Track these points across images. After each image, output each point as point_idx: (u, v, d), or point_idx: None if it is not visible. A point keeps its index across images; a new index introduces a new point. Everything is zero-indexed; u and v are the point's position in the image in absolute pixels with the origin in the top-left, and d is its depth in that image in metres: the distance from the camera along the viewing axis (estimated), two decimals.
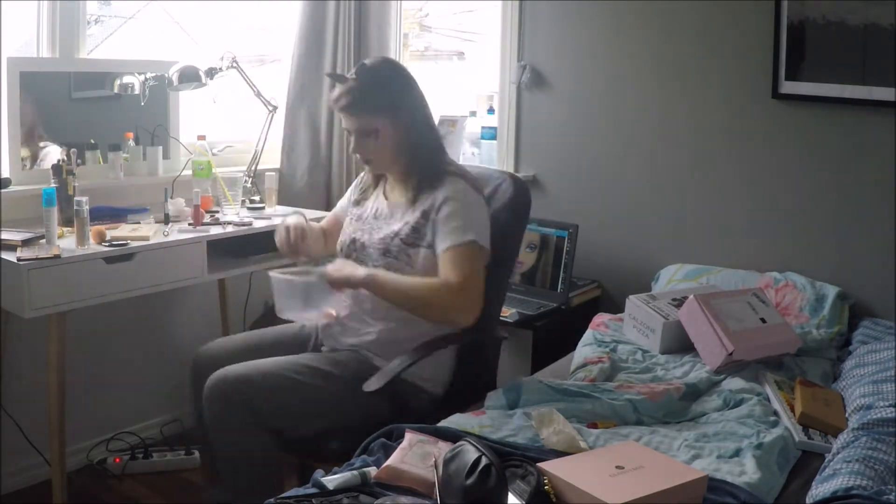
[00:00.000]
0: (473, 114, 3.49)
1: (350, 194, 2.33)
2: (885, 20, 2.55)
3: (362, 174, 2.31)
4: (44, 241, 2.30)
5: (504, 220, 2.19)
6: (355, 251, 2.14)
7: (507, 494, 1.46)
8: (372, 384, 1.94)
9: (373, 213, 2.18)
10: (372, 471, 1.65)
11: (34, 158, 2.65)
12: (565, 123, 3.28)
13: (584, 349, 2.48)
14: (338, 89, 2.06)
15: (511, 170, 3.34)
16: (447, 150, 2.20)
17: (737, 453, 1.80)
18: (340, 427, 2.01)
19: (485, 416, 1.94)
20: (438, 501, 1.51)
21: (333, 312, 2.12)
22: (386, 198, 2.17)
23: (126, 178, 2.80)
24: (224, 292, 3.14)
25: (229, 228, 2.63)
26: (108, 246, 2.32)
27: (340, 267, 2.04)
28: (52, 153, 2.68)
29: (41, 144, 2.67)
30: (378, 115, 2.04)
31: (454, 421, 1.90)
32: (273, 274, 2.01)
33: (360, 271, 2.01)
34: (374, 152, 2.09)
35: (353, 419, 2.00)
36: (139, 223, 2.57)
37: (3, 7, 2.51)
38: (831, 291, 2.67)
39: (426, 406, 2.09)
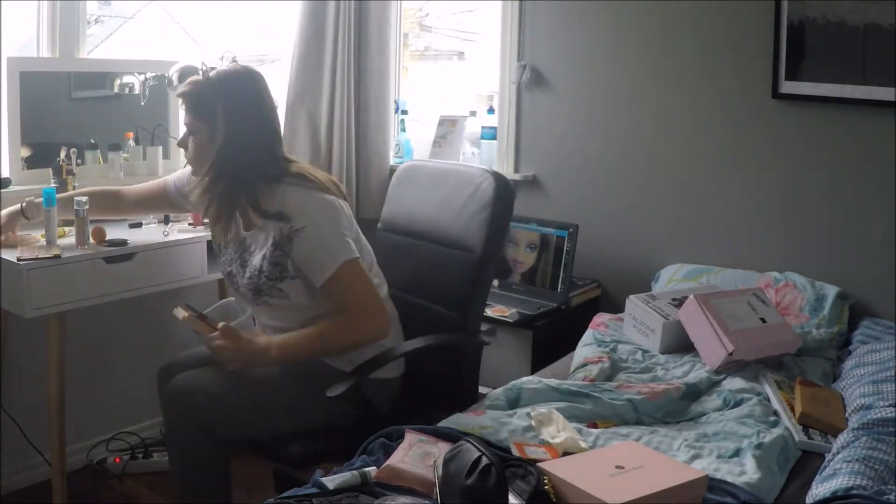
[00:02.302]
0: (473, 114, 3.49)
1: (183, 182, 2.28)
2: (885, 20, 2.55)
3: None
4: (44, 241, 2.30)
5: (486, 218, 2.20)
6: (232, 286, 2.14)
7: (507, 494, 1.46)
8: (336, 389, 1.92)
9: (234, 236, 2.12)
10: (372, 471, 1.65)
11: None
12: (565, 123, 3.27)
13: (584, 349, 2.48)
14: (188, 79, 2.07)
15: (511, 170, 3.34)
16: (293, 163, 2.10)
17: (737, 453, 1.80)
18: (302, 430, 2.01)
19: (485, 416, 1.93)
20: (438, 501, 1.51)
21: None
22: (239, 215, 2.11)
23: (126, 178, 2.80)
24: (224, 292, 3.13)
25: None
26: (108, 246, 2.32)
27: (240, 349, 1.98)
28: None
29: None
30: (199, 116, 2.02)
31: (454, 421, 1.89)
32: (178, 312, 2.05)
33: (259, 356, 1.98)
34: (190, 151, 2.08)
35: (316, 422, 2.02)
36: (139, 223, 2.57)
37: (3, 7, 2.51)
38: (831, 291, 2.66)
39: (393, 406, 2.09)
